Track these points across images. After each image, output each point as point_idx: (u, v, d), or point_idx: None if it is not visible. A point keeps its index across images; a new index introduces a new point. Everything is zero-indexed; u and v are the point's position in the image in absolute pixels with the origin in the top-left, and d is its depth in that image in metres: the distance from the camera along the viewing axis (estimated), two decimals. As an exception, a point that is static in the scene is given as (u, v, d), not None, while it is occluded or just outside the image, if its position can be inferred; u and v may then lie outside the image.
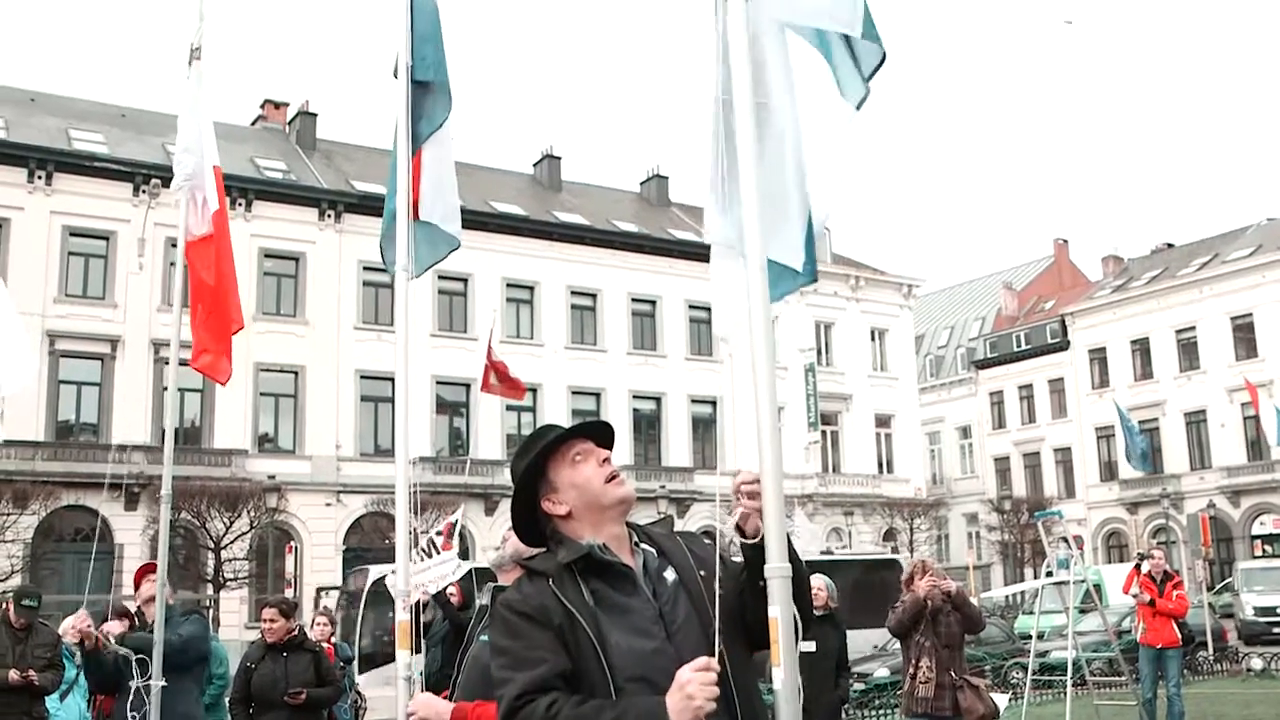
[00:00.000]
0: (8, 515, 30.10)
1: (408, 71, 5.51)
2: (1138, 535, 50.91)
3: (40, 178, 34.56)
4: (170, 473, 6.96)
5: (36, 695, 8.65)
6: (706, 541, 3.00)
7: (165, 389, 31.38)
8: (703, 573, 2.82)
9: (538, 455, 2.92)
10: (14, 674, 8.36)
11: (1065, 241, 68.42)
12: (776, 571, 2.68)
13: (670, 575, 2.83)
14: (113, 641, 7.24)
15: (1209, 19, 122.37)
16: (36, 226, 34.19)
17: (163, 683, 6.48)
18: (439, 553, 11.94)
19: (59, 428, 34.10)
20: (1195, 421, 52.09)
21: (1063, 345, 57.66)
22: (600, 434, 3.00)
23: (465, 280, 40.22)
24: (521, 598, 2.74)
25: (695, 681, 2.48)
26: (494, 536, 37.07)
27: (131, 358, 34.39)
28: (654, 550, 2.89)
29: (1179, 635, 13.79)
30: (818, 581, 8.96)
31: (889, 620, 9.07)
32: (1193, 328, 52.10)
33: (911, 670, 8.69)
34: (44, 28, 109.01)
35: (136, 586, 7.55)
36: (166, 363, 33.02)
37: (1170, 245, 59.33)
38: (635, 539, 2.90)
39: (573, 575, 2.74)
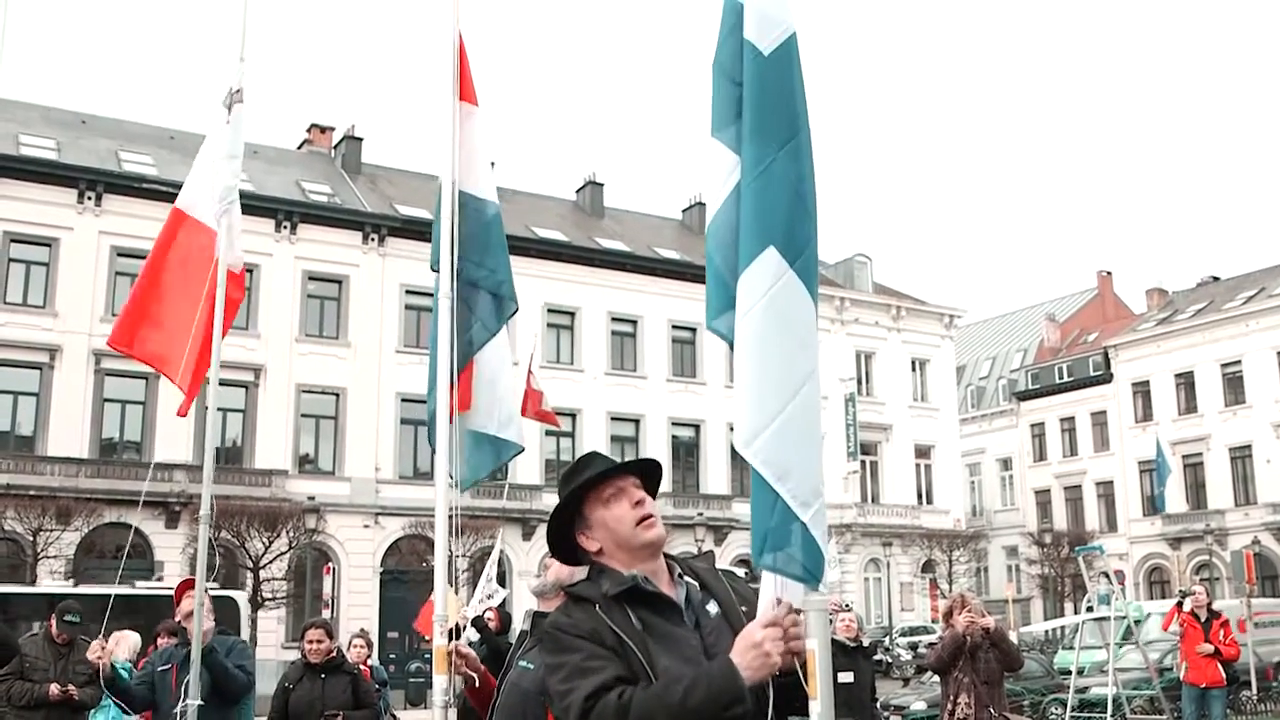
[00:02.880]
0: (51, 531, 30.44)
1: (452, 274, 5.26)
2: (1180, 571, 50.24)
3: (90, 199, 35.03)
4: (209, 493, 7.01)
5: (77, 710, 8.73)
6: (752, 585, 2.97)
7: (206, 408, 31.66)
8: (745, 608, 2.84)
9: (572, 493, 2.95)
10: (54, 689, 8.45)
11: (1109, 273, 67.90)
12: (814, 604, 2.67)
13: (713, 608, 2.86)
14: (116, 667, 7.32)
15: (1254, 52, 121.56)
16: (85, 246, 34.64)
17: (199, 702, 6.51)
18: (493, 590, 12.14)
19: (103, 445, 34.47)
20: (1240, 456, 51.42)
21: (1106, 378, 57.14)
22: (646, 470, 3.01)
23: (506, 305, 40.31)
24: (572, 621, 2.76)
25: (770, 637, 2.55)
26: (531, 561, 37.08)
27: (175, 377, 34.71)
28: (696, 583, 2.91)
29: (1223, 674, 13.60)
30: (848, 616, 8.94)
31: (928, 657, 9.05)
32: (1238, 361, 51.51)
33: (950, 706, 8.63)
34: (95, 51, 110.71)
35: (177, 602, 7.62)
36: (207, 381, 33.31)
37: (1216, 278, 58.76)
38: (677, 571, 2.92)
39: (620, 604, 2.77)
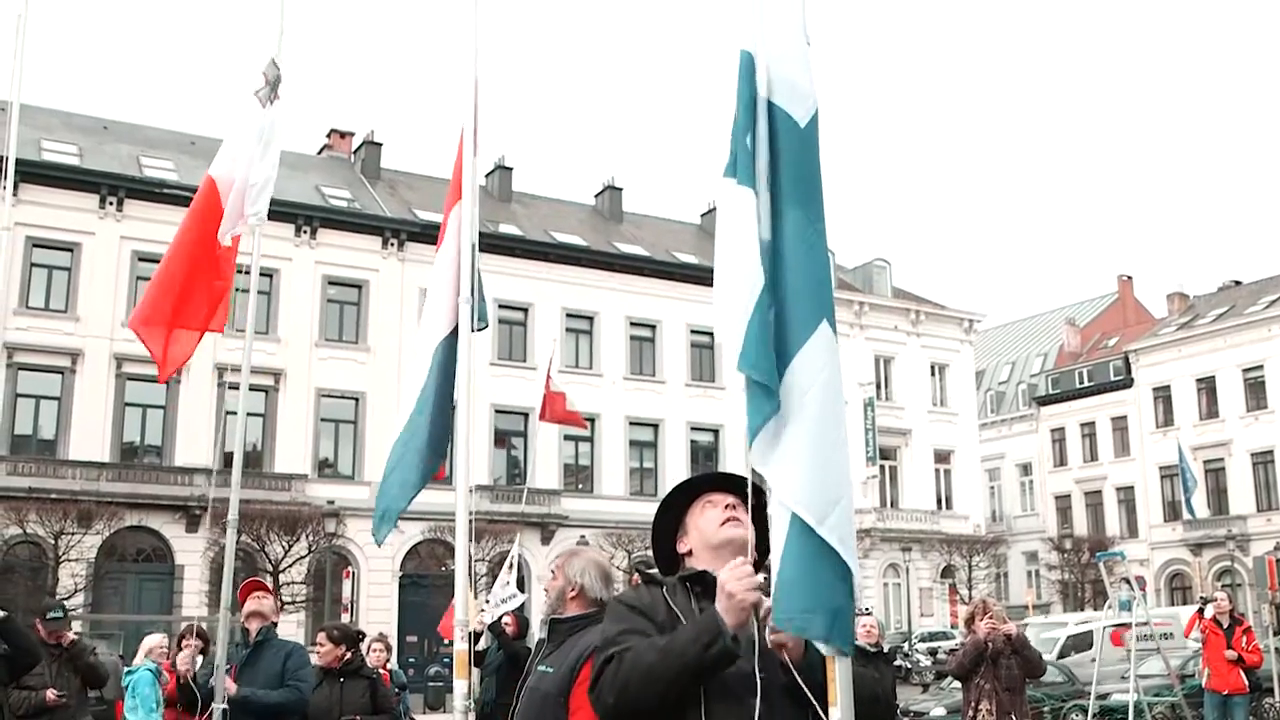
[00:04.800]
0: (72, 534, 30.58)
1: (474, 283, 5.40)
2: (1202, 577, 49.99)
3: (111, 204, 35.21)
4: (237, 498, 7.04)
5: (79, 711, 8.73)
6: None
7: (229, 413, 31.98)
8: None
9: (682, 489, 3.33)
10: (51, 694, 8.45)
11: (1130, 278, 67.58)
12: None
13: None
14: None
15: (1275, 56, 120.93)
16: (107, 251, 34.81)
17: (224, 707, 6.53)
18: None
19: (124, 449, 34.61)
20: (1262, 462, 51.13)
21: (1126, 383, 56.90)
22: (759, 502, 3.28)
23: (525, 310, 40.44)
24: (635, 595, 3.11)
25: (732, 579, 2.75)
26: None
27: (196, 382, 34.85)
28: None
29: (1246, 681, 13.51)
30: (869, 620, 8.90)
31: (950, 663, 9.02)
32: (1260, 366, 51.22)
33: (971, 713, 8.58)
34: (116, 57, 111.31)
35: (241, 602, 7.62)
36: (230, 386, 33.58)
37: (1237, 283, 58.45)
38: None
39: (686, 588, 3.03)
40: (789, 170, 2.87)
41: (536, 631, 6.06)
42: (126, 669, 10.81)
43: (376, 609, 35.43)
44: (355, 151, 44.72)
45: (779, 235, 2.85)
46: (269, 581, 31.80)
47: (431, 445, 5.67)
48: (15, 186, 32.12)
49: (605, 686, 2.83)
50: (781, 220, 2.85)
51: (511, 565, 13.67)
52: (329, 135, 45.61)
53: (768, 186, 2.90)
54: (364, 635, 10.89)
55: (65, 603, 9.35)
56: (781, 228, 2.85)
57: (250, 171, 7.54)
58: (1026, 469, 61.72)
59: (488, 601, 12.17)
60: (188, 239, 7.79)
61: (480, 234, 5.92)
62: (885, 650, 9.13)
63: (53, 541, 30.44)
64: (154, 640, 11.12)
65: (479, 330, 5.60)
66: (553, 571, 4.64)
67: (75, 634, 9.21)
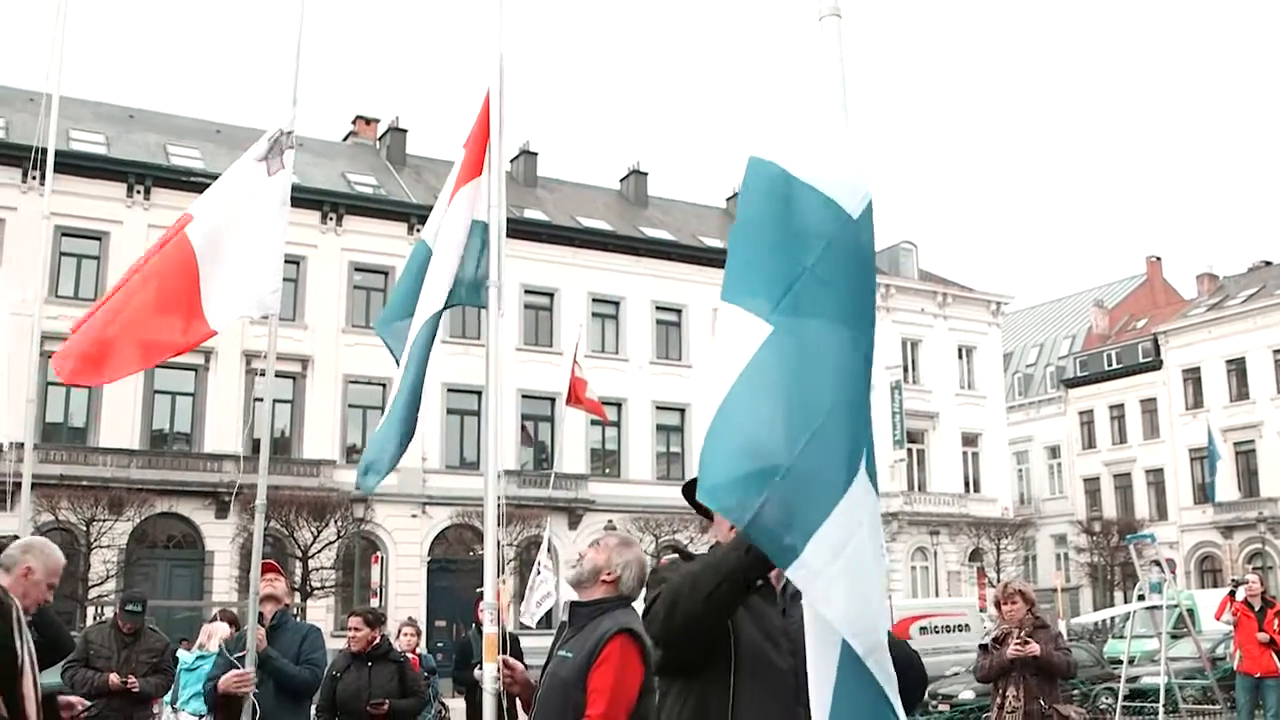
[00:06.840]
0: (104, 521, 30.85)
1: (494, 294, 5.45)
2: (1232, 560, 49.68)
3: (139, 192, 35.40)
4: (264, 484, 7.06)
5: (139, 701, 8.83)
6: None
7: (257, 400, 32.22)
8: None
9: (688, 488, 3.25)
10: (114, 678, 8.54)
11: (1158, 259, 67.08)
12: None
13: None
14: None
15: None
16: (135, 240, 34.94)
17: (255, 690, 6.58)
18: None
19: (154, 436, 34.88)
20: (1294, 444, 50.73)
21: (1155, 365, 56.50)
22: None
23: (551, 295, 40.48)
24: (670, 569, 3.21)
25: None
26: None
27: (224, 368, 35.07)
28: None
29: (1278, 664, 13.43)
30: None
31: (976, 668, 8.92)
32: (1292, 347, 50.79)
33: (999, 699, 8.49)
34: (143, 47, 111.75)
35: None
36: (259, 373, 33.77)
37: (1268, 263, 57.89)
38: None
39: None
40: (842, 278, 2.45)
41: (559, 615, 6.08)
42: (199, 654, 10.99)
43: (405, 594, 35.63)
44: (381, 138, 44.82)
45: (818, 359, 2.41)
46: (298, 567, 32.02)
47: (407, 421, 5.83)
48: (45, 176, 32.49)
49: (657, 608, 3.00)
50: (825, 341, 2.42)
51: (542, 561, 13.70)
52: (354, 122, 45.73)
53: (809, 293, 2.44)
54: (384, 619, 10.98)
55: (144, 598, 9.37)
56: (823, 351, 2.42)
57: (247, 250, 7.08)
58: (1055, 451, 61.42)
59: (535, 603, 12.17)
60: (143, 269, 7.20)
61: (505, 219, 5.94)
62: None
63: (84, 528, 30.71)
64: (224, 629, 11.11)
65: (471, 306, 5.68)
66: (597, 543, 4.60)
67: (151, 628, 9.29)
